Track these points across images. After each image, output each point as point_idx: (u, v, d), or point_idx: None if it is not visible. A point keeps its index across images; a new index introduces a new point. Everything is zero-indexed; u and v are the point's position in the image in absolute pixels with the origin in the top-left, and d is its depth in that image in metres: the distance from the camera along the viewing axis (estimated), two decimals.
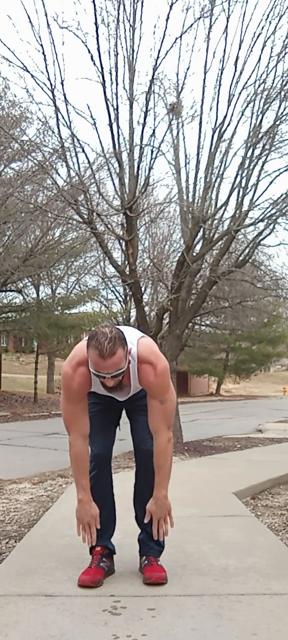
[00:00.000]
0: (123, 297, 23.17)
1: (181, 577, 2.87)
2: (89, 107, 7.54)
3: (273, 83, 8.03)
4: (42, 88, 7.48)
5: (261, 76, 7.97)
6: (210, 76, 8.16)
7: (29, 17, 7.18)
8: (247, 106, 8.14)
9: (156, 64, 7.47)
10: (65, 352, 27.65)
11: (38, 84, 7.46)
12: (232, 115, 7.99)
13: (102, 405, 2.95)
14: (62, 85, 7.41)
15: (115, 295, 23.81)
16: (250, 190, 8.41)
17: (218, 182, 8.35)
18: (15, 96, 13.17)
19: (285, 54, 7.84)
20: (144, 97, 7.64)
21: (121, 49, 7.59)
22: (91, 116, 7.52)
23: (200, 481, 5.57)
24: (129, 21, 7.54)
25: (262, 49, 7.83)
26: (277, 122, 8.15)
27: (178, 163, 8.95)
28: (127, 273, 8.70)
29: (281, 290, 12.10)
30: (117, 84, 7.63)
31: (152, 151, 7.92)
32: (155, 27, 7.47)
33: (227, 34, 7.74)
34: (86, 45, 7.30)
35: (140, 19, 7.49)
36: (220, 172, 8.28)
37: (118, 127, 7.81)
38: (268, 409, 21.62)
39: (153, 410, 2.78)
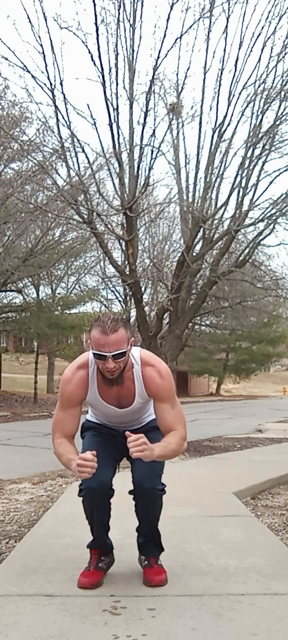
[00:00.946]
0: (123, 297, 23.24)
1: (181, 577, 2.87)
2: (89, 107, 7.59)
3: (273, 83, 8.06)
4: (42, 88, 7.52)
5: (261, 76, 8.00)
6: (210, 76, 8.20)
7: (28, 17, 7.22)
8: (247, 106, 8.16)
9: (156, 64, 7.49)
10: (65, 352, 27.68)
11: (38, 84, 7.49)
12: (232, 115, 8.01)
13: (101, 437, 2.87)
14: (62, 85, 7.46)
15: (115, 295, 23.90)
16: (250, 190, 8.43)
17: (218, 182, 8.37)
18: (15, 96, 13.19)
19: (285, 54, 7.86)
20: (144, 97, 7.68)
21: (121, 49, 7.62)
22: (91, 116, 7.56)
23: (200, 481, 5.56)
24: (129, 21, 7.56)
25: (262, 49, 7.86)
26: (277, 122, 8.16)
27: (178, 163, 8.96)
28: (127, 273, 8.71)
29: (281, 290, 12.12)
30: (117, 84, 7.65)
31: (152, 151, 7.95)
32: (155, 27, 7.53)
33: (226, 34, 7.77)
34: (86, 45, 7.34)
35: (141, 19, 7.52)
36: (220, 172, 8.30)
37: (118, 127, 7.84)
38: (268, 409, 21.58)
39: (165, 413, 2.70)
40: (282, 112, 8.11)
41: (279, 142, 8.52)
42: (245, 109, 8.16)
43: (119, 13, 7.46)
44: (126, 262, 9.38)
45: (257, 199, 8.54)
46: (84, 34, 7.30)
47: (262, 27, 7.76)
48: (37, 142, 9.57)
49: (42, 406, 21.64)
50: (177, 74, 8.16)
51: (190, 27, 7.64)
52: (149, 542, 2.86)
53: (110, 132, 7.80)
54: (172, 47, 7.59)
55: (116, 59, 7.57)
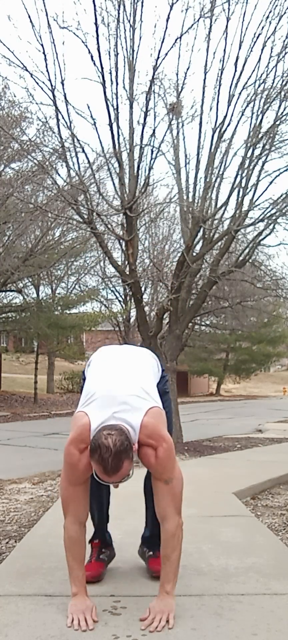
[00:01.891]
0: (123, 297, 23.24)
1: (181, 577, 2.86)
2: (89, 107, 7.54)
3: (273, 83, 8.04)
4: (42, 88, 7.49)
5: (261, 76, 7.98)
6: (210, 76, 8.16)
7: (29, 17, 7.19)
8: (247, 106, 8.14)
9: (156, 64, 7.48)
10: (65, 352, 27.70)
11: (38, 84, 7.47)
12: (232, 115, 7.99)
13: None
14: (62, 85, 7.42)
15: (115, 295, 23.88)
16: (250, 190, 8.42)
17: (218, 182, 8.35)
18: (15, 96, 13.19)
19: (285, 54, 7.84)
20: (143, 97, 7.65)
21: (121, 49, 7.60)
22: (91, 116, 7.53)
23: (200, 481, 5.56)
24: (129, 21, 7.55)
25: (262, 49, 7.84)
26: (277, 122, 8.15)
27: (178, 163, 8.95)
28: (127, 273, 8.71)
29: (281, 290, 12.11)
30: (117, 84, 7.63)
31: (152, 151, 7.93)
32: (155, 27, 7.48)
33: (227, 34, 7.75)
34: (86, 45, 7.31)
35: (140, 19, 7.50)
36: (220, 172, 8.28)
37: (118, 127, 7.82)
38: (268, 409, 21.61)
39: (159, 492, 2.52)
40: (282, 112, 8.10)
41: (279, 142, 8.52)
42: (245, 109, 8.15)
43: (118, 13, 7.45)
44: (126, 262, 9.37)
45: (257, 199, 8.53)
46: (84, 34, 7.29)
47: (262, 27, 7.76)
48: (37, 142, 9.56)
49: (42, 406, 21.66)
50: (177, 74, 8.15)
51: (190, 27, 7.63)
52: (157, 535, 2.84)
53: (110, 132, 7.79)
54: (172, 47, 7.57)
55: (116, 59, 7.56)
